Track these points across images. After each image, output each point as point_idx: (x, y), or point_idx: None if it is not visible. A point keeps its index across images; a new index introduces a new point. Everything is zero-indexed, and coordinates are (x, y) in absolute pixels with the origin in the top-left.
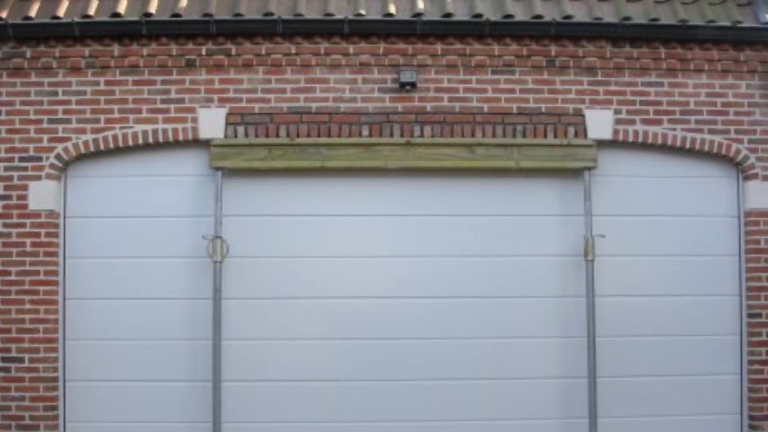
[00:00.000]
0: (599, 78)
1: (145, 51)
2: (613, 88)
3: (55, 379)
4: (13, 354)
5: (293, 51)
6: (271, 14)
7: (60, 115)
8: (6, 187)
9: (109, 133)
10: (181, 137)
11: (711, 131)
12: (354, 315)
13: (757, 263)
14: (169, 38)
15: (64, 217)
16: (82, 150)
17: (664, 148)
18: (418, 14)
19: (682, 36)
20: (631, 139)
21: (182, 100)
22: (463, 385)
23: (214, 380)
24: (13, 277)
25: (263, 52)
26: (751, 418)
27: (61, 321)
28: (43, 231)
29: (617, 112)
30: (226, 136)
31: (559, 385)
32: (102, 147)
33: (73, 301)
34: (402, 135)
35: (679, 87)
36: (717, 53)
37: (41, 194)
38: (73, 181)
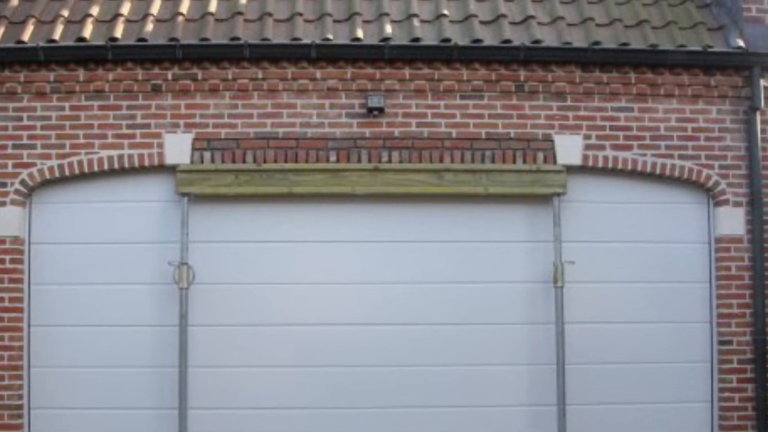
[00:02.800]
0: (569, 103)
1: (110, 76)
2: (582, 113)
3: (19, 407)
4: None
5: (260, 76)
6: (238, 39)
7: (25, 141)
8: None
9: (75, 159)
10: (147, 163)
11: (681, 157)
12: (322, 342)
13: (728, 290)
14: (135, 63)
15: (29, 243)
16: (47, 176)
17: (634, 174)
18: (386, 39)
19: (652, 61)
20: (600, 164)
21: (148, 126)
22: (432, 413)
23: (180, 408)
24: None
25: (230, 77)
26: None
27: (26, 348)
28: (7, 257)
29: (587, 137)
30: (192, 162)
31: (528, 413)
32: (67, 173)
33: (38, 328)
34: (370, 161)
35: (649, 112)
36: (687, 78)
37: (6, 220)
38: (38, 207)
